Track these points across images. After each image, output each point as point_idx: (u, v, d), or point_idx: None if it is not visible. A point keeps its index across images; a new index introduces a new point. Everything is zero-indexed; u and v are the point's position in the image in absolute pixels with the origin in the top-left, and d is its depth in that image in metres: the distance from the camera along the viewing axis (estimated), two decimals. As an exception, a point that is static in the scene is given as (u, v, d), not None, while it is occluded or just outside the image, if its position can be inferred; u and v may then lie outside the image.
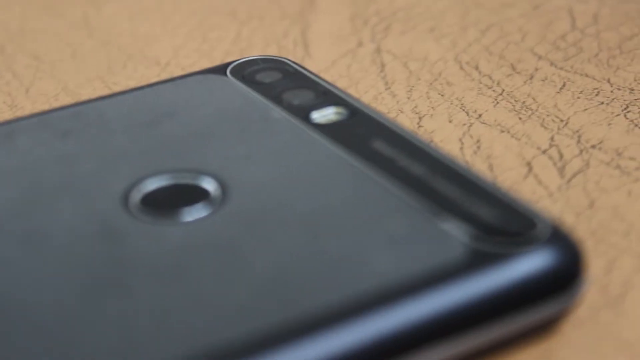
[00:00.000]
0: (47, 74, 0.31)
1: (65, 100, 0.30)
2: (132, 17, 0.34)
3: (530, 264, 0.20)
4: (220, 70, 0.27)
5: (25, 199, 0.22)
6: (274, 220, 0.21)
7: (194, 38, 0.33)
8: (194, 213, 0.22)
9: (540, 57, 0.31)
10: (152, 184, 0.23)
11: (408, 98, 0.29)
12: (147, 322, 0.19)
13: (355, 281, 0.20)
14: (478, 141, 0.27)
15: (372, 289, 0.19)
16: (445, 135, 0.27)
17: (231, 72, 0.27)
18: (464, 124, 0.28)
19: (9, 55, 0.32)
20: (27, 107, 0.29)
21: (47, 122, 0.25)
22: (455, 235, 0.20)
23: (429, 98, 0.29)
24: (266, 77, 0.27)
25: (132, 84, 0.30)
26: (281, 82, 0.26)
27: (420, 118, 0.28)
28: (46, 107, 0.29)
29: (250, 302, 0.19)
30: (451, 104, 0.29)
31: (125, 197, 0.22)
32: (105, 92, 0.30)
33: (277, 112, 0.25)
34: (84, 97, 0.30)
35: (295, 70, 0.27)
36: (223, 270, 0.20)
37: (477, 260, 0.20)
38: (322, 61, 0.31)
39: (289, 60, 0.27)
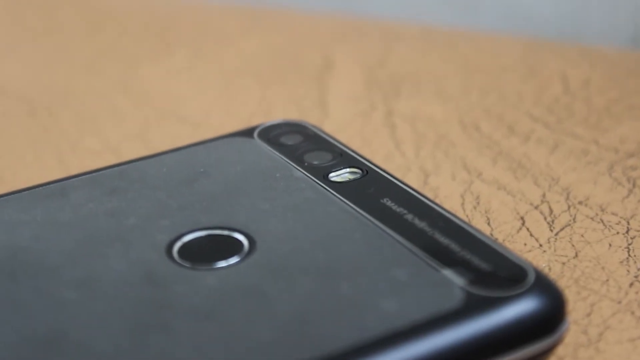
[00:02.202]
0: (90, 131, 0.35)
1: (108, 155, 0.33)
2: (165, 78, 0.38)
3: (519, 307, 0.23)
4: (248, 133, 0.30)
5: (80, 249, 0.25)
6: (295, 268, 0.25)
7: (222, 99, 0.36)
8: (226, 261, 0.25)
9: (535, 119, 0.34)
10: (190, 236, 0.26)
11: (416, 157, 0.32)
12: (184, 357, 0.22)
13: (366, 322, 0.23)
14: (477, 197, 0.30)
15: (381, 329, 0.23)
16: (448, 191, 0.31)
17: (258, 135, 0.30)
18: (465, 182, 0.31)
19: (56, 113, 0.36)
20: (74, 163, 0.33)
21: (95, 180, 0.28)
22: (455, 281, 0.24)
23: (434, 157, 0.32)
24: (289, 140, 0.30)
25: (167, 141, 0.34)
26: (302, 145, 0.30)
27: (426, 176, 0.31)
28: (91, 162, 0.33)
29: (273, 340, 0.22)
30: (454, 163, 0.32)
31: (167, 248, 0.25)
32: (142, 148, 0.33)
33: (299, 172, 0.28)
34: (124, 153, 0.33)
35: (315, 133, 0.30)
36: (249, 311, 0.23)
37: (473, 303, 0.23)
38: (338, 121, 0.35)
39: (309, 124, 0.31)
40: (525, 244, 0.28)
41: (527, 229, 0.29)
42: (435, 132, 0.34)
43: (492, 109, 0.35)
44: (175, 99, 0.36)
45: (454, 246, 0.25)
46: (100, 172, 0.29)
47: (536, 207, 0.30)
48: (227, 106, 0.36)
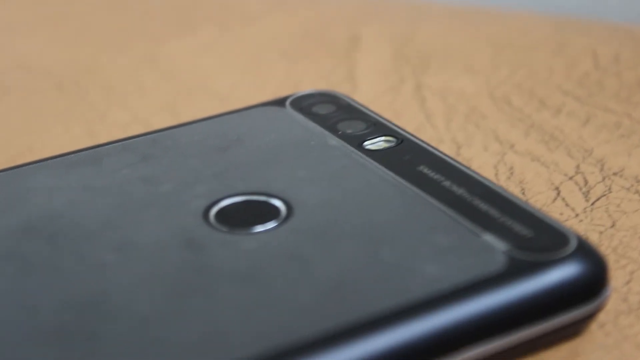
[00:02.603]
0: (119, 105, 0.34)
1: (137, 128, 0.33)
2: (192, 54, 0.38)
3: (563, 271, 0.23)
4: (279, 102, 0.30)
5: (116, 214, 0.25)
6: (335, 233, 0.24)
7: (249, 74, 0.36)
8: (264, 226, 0.25)
9: (566, 93, 0.34)
10: (226, 202, 0.26)
11: (447, 129, 0.32)
12: (225, 319, 0.22)
13: (410, 286, 0.23)
14: (511, 168, 0.30)
15: (425, 293, 0.22)
16: (481, 162, 0.30)
17: (290, 104, 0.30)
18: (498, 153, 0.31)
19: (84, 87, 0.35)
20: (104, 135, 0.33)
21: (128, 147, 0.28)
22: (497, 246, 0.23)
23: (465, 130, 0.32)
24: (322, 109, 0.30)
25: (196, 114, 0.33)
26: (335, 114, 0.29)
27: (458, 147, 0.31)
28: (120, 134, 0.32)
29: (317, 303, 0.22)
30: (486, 134, 0.32)
31: (204, 213, 0.25)
32: (172, 121, 0.33)
33: (333, 140, 0.28)
34: (155, 126, 0.33)
35: (347, 102, 0.30)
36: (291, 275, 0.23)
37: (516, 268, 0.23)
38: (368, 95, 0.34)
39: (342, 94, 0.30)
40: (561, 214, 0.28)
41: (563, 199, 0.28)
42: (465, 105, 0.34)
43: (522, 84, 0.35)
44: (202, 74, 0.36)
45: (494, 212, 0.25)
46: (133, 139, 0.29)
47: (571, 178, 0.29)
48: (254, 81, 0.36)
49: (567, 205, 0.28)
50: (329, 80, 0.36)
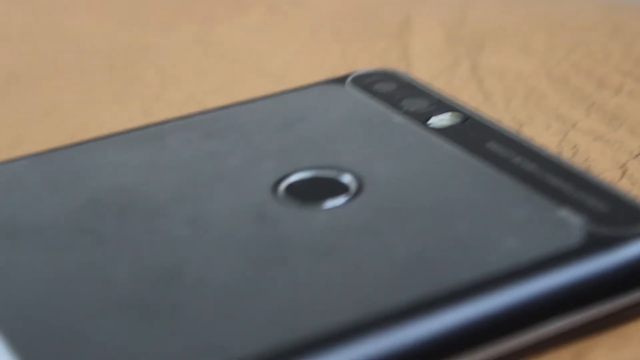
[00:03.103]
0: (173, 85, 0.34)
1: (194, 108, 0.33)
2: (244, 35, 0.37)
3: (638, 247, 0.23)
4: (340, 81, 0.30)
5: (184, 189, 0.25)
6: (408, 207, 0.24)
7: (302, 54, 0.36)
8: (334, 201, 0.24)
9: (625, 74, 0.34)
10: (296, 176, 0.25)
11: (507, 108, 0.32)
12: (304, 291, 0.22)
13: (487, 259, 0.22)
14: (575, 147, 0.30)
15: (502, 266, 0.22)
16: (544, 141, 0.30)
17: (351, 82, 0.30)
18: (560, 132, 0.30)
19: (137, 67, 0.35)
20: (160, 115, 0.32)
21: (190, 125, 0.28)
22: (573, 220, 0.23)
23: (526, 108, 0.32)
24: (383, 87, 0.29)
25: (252, 94, 0.33)
26: (398, 92, 0.29)
27: (519, 126, 0.31)
28: (177, 113, 0.32)
29: (395, 276, 0.22)
30: (547, 114, 0.31)
31: (273, 188, 0.25)
32: (228, 102, 0.33)
33: (398, 117, 0.28)
34: (210, 106, 0.32)
35: (409, 81, 0.30)
36: (366, 248, 0.23)
37: (594, 242, 0.22)
38: (424, 75, 0.34)
39: (403, 72, 0.30)
40: (628, 193, 0.27)
41: (629, 178, 0.28)
42: (524, 85, 0.33)
43: (579, 64, 0.34)
44: (255, 55, 0.36)
45: (567, 187, 0.24)
46: (194, 117, 0.29)
47: (636, 157, 0.29)
48: (309, 61, 0.36)
49: (633, 184, 0.28)
50: (383, 60, 0.35)
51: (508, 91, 0.33)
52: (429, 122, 0.28)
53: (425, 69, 0.35)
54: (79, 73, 0.35)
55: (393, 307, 0.21)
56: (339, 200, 0.24)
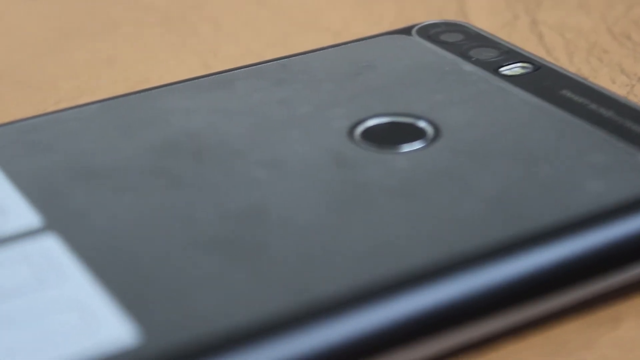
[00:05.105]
0: (230, 39, 0.34)
1: (253, 61, 0.32)
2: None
3: None
4: (405, 31, 0.30)
5: (258, 134, 0.25)
6: (487, 152, 0.24)
7: (359, 10, 0.36)
8: (412, 145, 0.24)
9: (687, 30, 0.33)
10: (371, 121, 0.25)
11: (570, 63, 0.32)
12: (391, 231, 0.21)
13: (572, 202, 0.22)
14: (642, 99, 0.29)
15: (588, 208, 0.22)
16: (610, 93, 0.30)
17: (417, 32, 0.29)
18: (627, 85, 0.30)
19: (191, 22, 0.35)
20: (219, 67, 0.32)
21: (259, 72, 0.28)
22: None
23: (589, 63, 0.32)
24: (450, 37, 0.29)
25: (311, 48, 0.33)
26: (465, 42, 0.29)
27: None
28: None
29: (480, 216, 0.22)
30: (611, 68, 0.31)
31: (348, 133, 0.25)
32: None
33: (468, 66, 0.28)
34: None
35: (476, 31, 0.29)
36: (449, 190, 0.23)
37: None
38: (483, 31, 0.34)
39: (469, 23, 0.30)
40: (701, 142, 0.27)
41: (701, 129, 0.28)
42: (585, 40, 0.33)
43: (639, 20, 0.34)
44: (312, 10, 0.36)
45: (647, 133, 0.24)
46: (261, 65, 0.28)
47: None
48: (366, 17, 0.35)
49: None
50: (441, 16, 0.35)
51: (570, 46, 0.33)
52: (500, 70, 0.27)
53: (484, 24, 0.34)
54: (133, 28, 0.35)
55: (483, 247, 0.21)
56: (417, 145, 0.24)
